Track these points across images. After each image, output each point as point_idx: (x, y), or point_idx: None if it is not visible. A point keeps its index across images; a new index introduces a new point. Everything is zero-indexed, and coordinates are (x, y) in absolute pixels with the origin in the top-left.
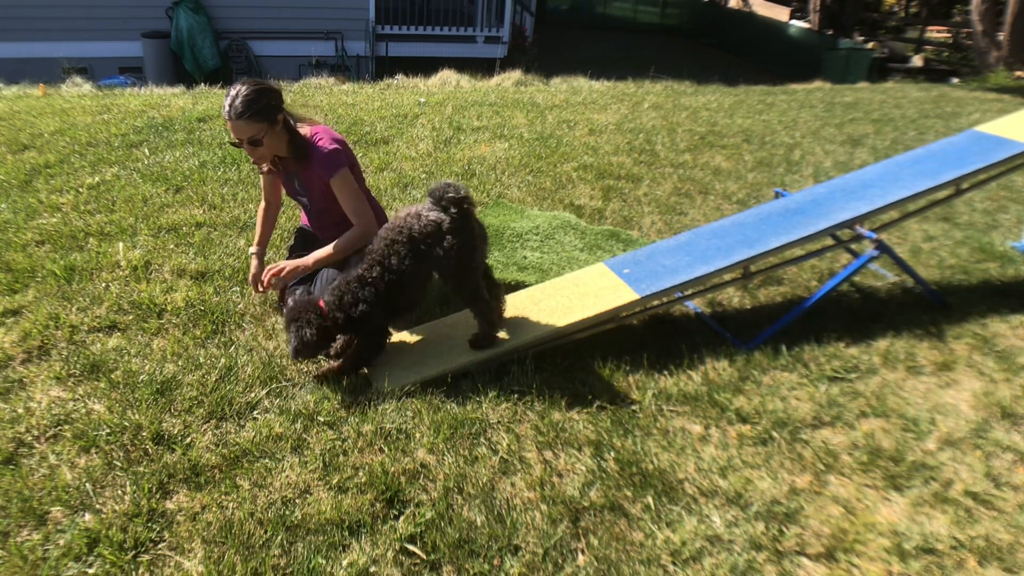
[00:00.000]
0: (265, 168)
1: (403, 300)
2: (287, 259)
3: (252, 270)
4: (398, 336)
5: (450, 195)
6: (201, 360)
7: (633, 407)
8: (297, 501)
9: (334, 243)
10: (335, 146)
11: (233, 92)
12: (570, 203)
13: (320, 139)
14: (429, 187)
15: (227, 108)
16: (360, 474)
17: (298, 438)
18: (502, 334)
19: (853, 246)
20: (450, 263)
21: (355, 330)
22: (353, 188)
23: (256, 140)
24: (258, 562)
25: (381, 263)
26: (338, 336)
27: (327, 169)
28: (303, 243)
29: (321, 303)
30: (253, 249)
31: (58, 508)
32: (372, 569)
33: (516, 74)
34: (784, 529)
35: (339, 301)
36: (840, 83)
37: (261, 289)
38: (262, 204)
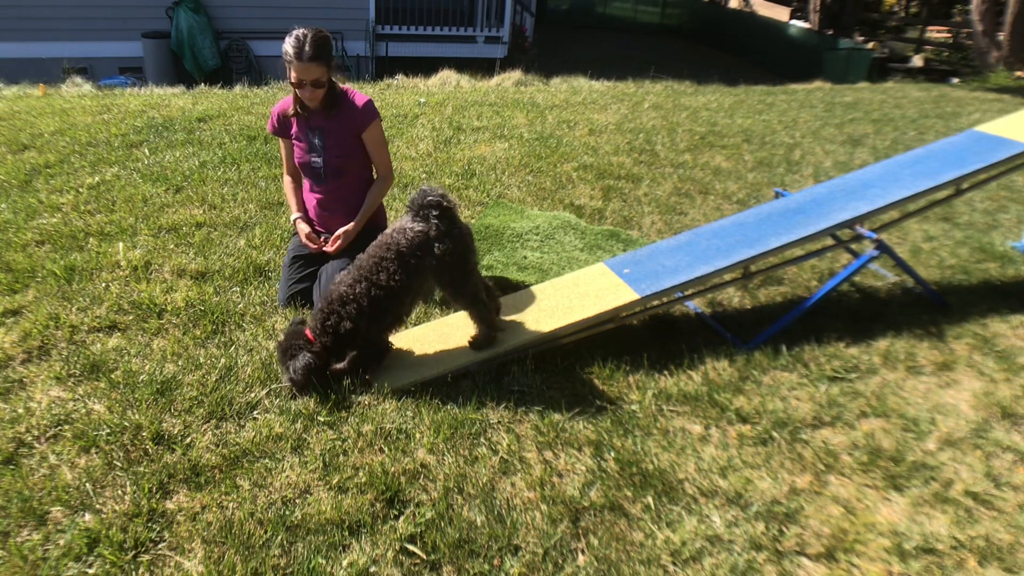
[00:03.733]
0: (295, 113)
1: (391, 315)
2: (287, 260)
3: (304, 232)
4: (399, 336)
5: (428, 199)
6: (201, 360)
7: (633, 407)
8: (297, 501)
9: (368, 198)
10: (369, 98)
11: (300, 35)
12: (570, 203)
13: (354, 92)
14: (408, 200)
15: (296, 50)
16: (360, 474)
17: (298, 438)
18: (502, 334)
19: (853, 246)
20: (446, 270)
21: (349, 348)
22: (384, 137)
23: (320, 82)
24: (258, 562)
25: (368, 279)
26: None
27: (368, 114)
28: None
29: (307, 331)
30: (296, 215)
31: (58, 508)
32: (372, 569)
33: (516, 74)
34: (784, 529)
35: (323, 324)
36: (840, 83)
37: (324, 248)
38: (287, 179)
